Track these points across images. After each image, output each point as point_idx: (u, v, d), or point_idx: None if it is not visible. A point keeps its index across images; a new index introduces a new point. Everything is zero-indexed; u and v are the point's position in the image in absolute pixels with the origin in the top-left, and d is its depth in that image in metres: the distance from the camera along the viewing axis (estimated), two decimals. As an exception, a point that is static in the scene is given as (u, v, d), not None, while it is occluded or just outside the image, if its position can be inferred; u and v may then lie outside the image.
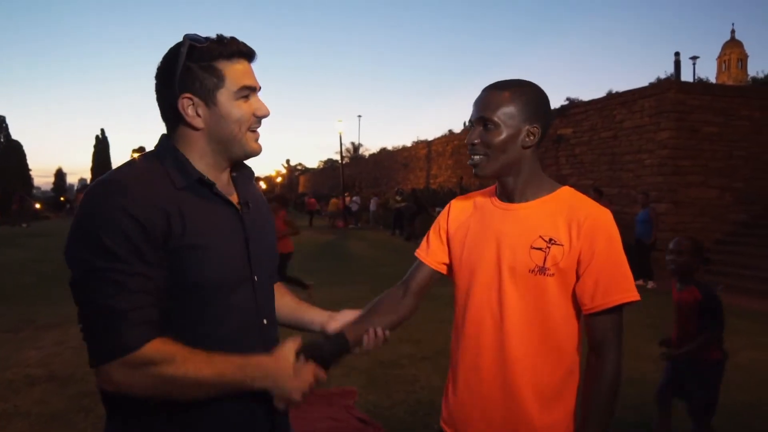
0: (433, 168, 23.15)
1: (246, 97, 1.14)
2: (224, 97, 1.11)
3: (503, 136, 1.27)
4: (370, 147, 63.90)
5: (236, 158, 1.18)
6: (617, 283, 1.22)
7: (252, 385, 1.10)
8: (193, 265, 1.06)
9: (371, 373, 4.42)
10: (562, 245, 1.24)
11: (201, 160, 1.13)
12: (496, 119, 1.26)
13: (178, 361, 1.02)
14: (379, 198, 23.17)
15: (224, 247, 1.12)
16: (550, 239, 1.25)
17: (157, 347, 1.02)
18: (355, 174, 31.80)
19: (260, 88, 1.17)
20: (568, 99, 19.59)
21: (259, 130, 1.18)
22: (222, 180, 1.18)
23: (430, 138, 25.02)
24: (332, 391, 3.74)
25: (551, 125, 1.35)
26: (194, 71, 1.09)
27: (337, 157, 44.25)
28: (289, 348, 1.16)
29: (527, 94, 1.28)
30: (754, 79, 36.04)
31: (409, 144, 31.98)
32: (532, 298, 1.26)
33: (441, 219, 1.49)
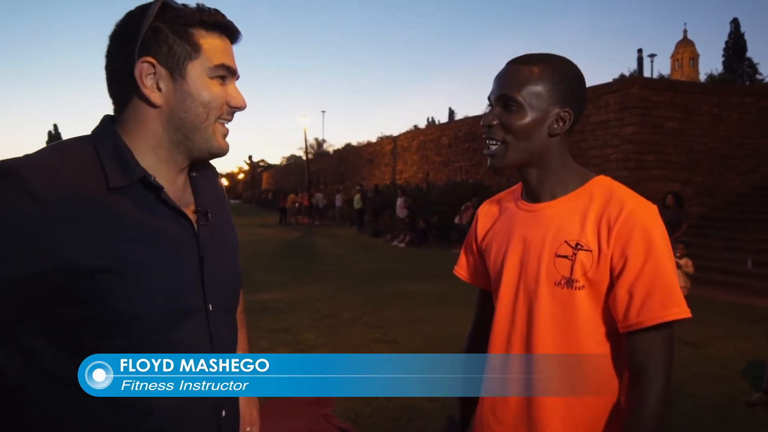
0: (399, 164, 23.04)
1: (222, 78, 0.92)
2: (196, 70, 0.89)
3: (527, 119, 1.06)
4: (334, 143, 63.57)
5: (197, 155, 0.94)
6: (657, 296, 0.99)
7: None
8: (117, 295, 0.83)
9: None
10: (590, 251, 1.03)
11: (152, 152, 0.91)
12: (520, 99, 1.05)
13: None
14: (344, 194, 22.94)
15: (164, 271, 0.88)
16: (577, 244, 1.05)
17: None
18: (319, 170, 31.44)
19: (239, 76, 0.96)
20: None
21: (228, 125, 0.95)
22: (177, 183, 0.95)
23: (396, 133, 24.94)
24: (308, 399, 3.54)
25: (585, 109, 1.16)
26: (163, 33, 0.87)
27: (301, 153, 43.98)
28: None
29: (560, 70, 1.07)
30: (711, 76, 37.50)
31: (374, 139, 31.91)
32: (560, 316, 1.06)
33: (470, 234, 1.30)
